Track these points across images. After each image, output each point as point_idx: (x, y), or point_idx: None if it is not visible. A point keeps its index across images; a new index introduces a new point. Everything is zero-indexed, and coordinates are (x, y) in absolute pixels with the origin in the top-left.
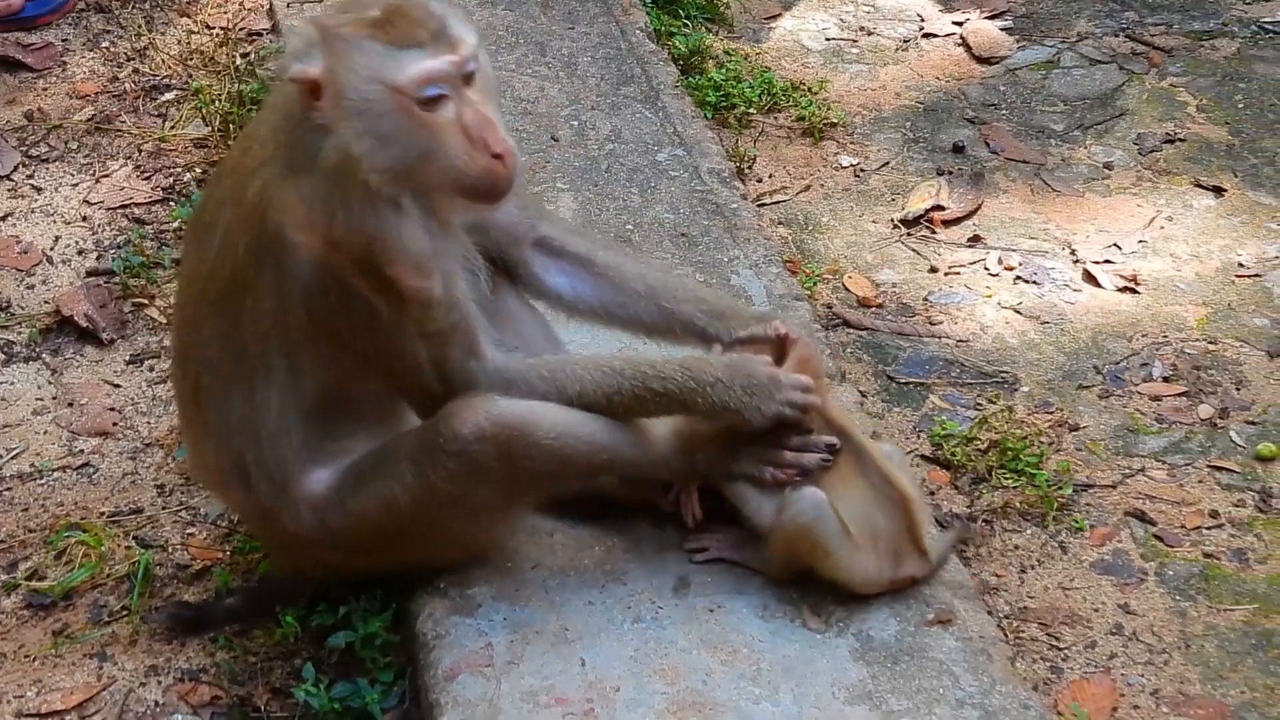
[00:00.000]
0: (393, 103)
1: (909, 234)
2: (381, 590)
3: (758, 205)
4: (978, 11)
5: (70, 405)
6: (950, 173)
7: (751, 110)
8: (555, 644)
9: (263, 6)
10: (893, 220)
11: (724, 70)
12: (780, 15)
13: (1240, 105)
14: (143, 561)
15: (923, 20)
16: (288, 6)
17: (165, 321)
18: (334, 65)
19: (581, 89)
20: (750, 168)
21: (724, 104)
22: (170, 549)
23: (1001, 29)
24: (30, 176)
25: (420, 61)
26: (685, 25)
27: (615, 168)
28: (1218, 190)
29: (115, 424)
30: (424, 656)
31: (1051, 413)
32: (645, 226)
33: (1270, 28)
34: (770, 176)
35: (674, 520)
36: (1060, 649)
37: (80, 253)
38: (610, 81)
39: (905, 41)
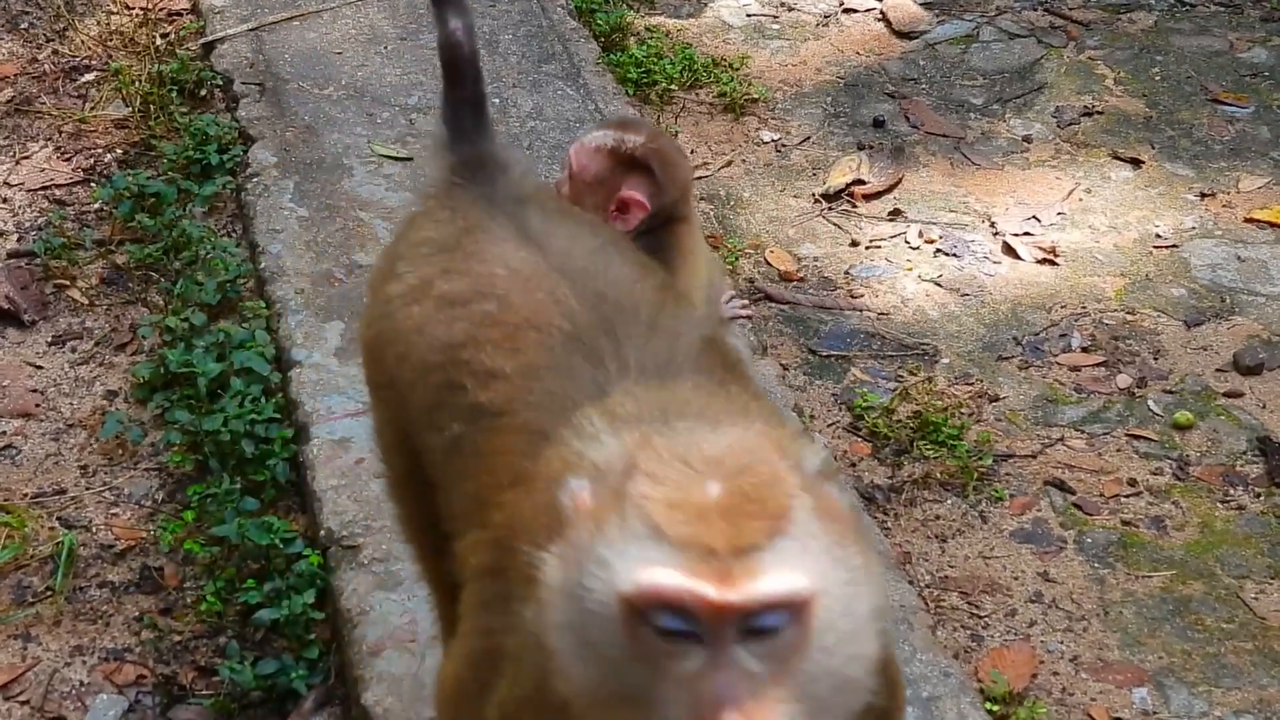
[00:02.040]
0: (615, 614)
1: (831, 208)
2: (306, 566)
3: None
4: None
5: None
6: (871, 147)
7: (673, 87)
8: None
9: None
10: (814, 195)
11: (645, 47)
12: None
13: (1157, 78)
14: (66, 542)
15: None
16: None
17: (87, 303)
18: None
19: (503, 67)
20: None
21: (645, 81)
22: (94, 529)
23: (921, 4)
24: None
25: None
26: (606, 2)
27: (537, 145)
28: (1135, 162)
29: (38, 405)
30: (348, 632)
31: (972, 384)
32: None
33: (1186, 0)
34: (692, 152)
35: None
36: (980, 617)
37: (0, 234)
38: (531, 59)
39: (826, 17)
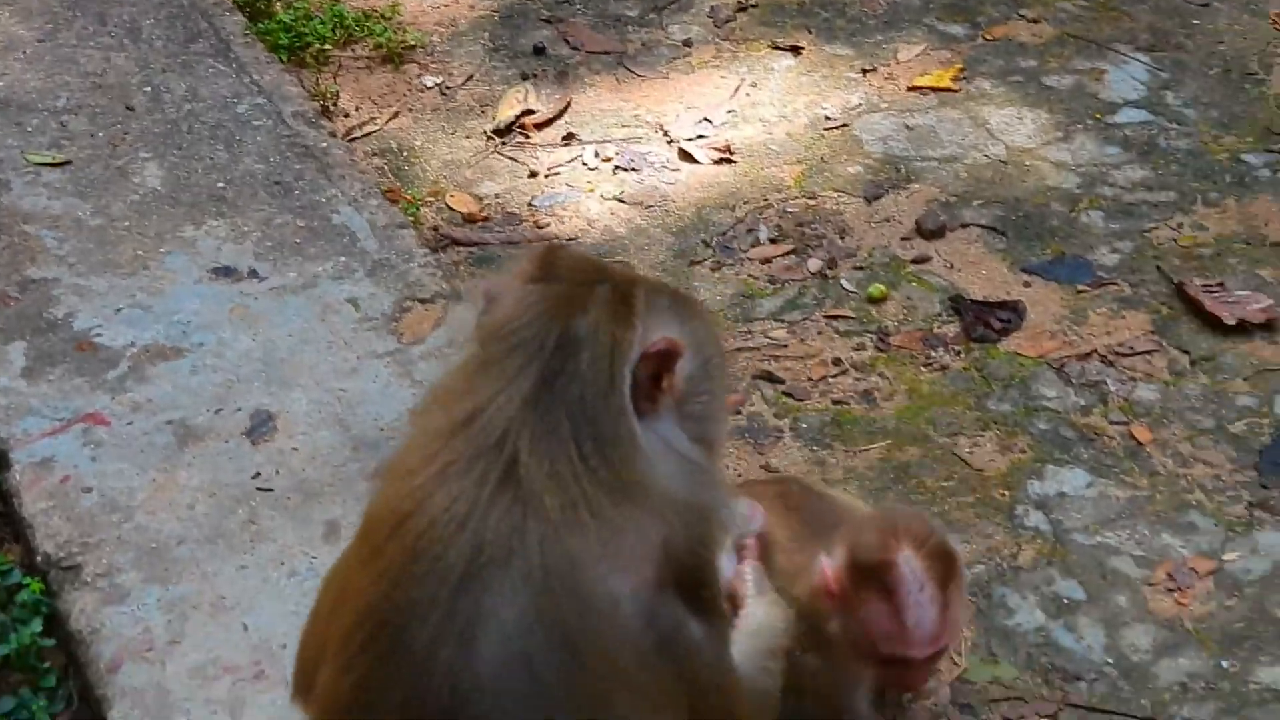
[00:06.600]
0: None
1: (503, 143)
2: (28, 595)
3: (348, 140)
4: None
5: None
6: (535, 76)
7: (327, 46)
8: (214, 615)
9: None
10: (485, 132)
11: (292, 10)
12: None
13: None
14: None
15: None
16: None
17: None
18: None
19: (149, 53)
20: (335, 104)
21: (298, 44)
22: None
23: None
24: None
25: None
26: None
27: (197, 127)
28: (795, 49)
29: None
30: (83, 653)
31: None
32: (238, 181)
33: None
34: (357, 109)
35: None
36: None
37: None
38: (177, 41)
39: None
